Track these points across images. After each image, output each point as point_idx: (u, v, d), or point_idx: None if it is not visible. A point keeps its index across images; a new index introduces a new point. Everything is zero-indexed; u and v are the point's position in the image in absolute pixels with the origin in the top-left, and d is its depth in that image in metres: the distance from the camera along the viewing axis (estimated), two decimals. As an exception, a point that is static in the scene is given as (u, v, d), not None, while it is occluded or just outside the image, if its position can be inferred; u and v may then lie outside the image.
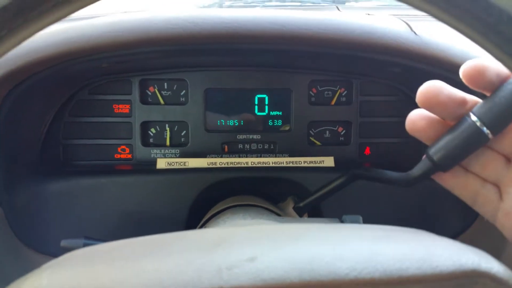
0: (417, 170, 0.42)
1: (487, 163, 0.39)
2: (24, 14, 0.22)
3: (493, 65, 0.35)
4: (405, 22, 0.54)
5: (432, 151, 0.39)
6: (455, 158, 0.39)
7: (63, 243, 0.54)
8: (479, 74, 0.35)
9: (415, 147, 0.73)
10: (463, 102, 0.38)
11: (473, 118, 0.37)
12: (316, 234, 0.28)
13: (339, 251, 0.24)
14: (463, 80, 0.36)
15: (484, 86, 0.36)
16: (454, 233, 0.68)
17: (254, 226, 0.31)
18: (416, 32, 0.51)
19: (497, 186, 0.39)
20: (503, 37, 0.25)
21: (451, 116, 0.38)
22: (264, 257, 0.24)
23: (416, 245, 0.26)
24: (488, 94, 0.37)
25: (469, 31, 0.26)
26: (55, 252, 0.59)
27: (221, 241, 0.26)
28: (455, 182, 0.41)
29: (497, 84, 0.36)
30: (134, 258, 0.26)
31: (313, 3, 1.11)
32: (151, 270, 0.24)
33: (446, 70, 0.52)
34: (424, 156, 0.42)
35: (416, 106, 0.73)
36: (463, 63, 0.51)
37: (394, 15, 0.70)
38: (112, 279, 0.23)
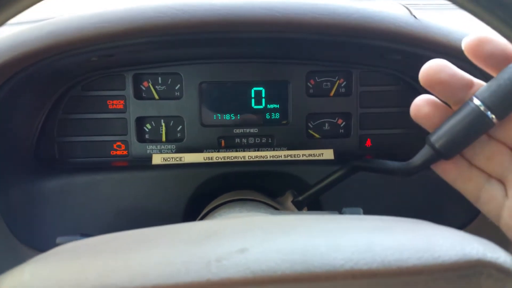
0: (417, 158, 0.40)
1: (493, 156, 0.37)
2: None
3: (497, 40, 0.33)
4: (405, 6, 0.52)
5: (433, 138, 0.37)
6: (458, 145, 0.36)
7: (59, 240, 0.53)
8: (480, 45, 0.33)
9: (417, 138, 0.71)
10: (468, 84, 0.35)
11: (476, 101, 0.35)
12: (311, 225, 0.27)
13: (334, 242, 0.23)
14: (465, 52, 0.34)
15: (487, 60, 0.34)
16: (459, 226, 0.66)
17: (246, 218, 0.30)
18: (416, 16, 0.49)
19: (502, 182, 0.37)
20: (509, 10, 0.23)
21: (455, 99, 0.36)
22: (255, 249, 0.22)
23: (417, 235, 0.24)
24: (491, 72, 0.35)
25: (474, 8, 0.24)
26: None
27: (211, 233, 0.25)
28: (457, 175, 0.38)
29: (501, 62, 0.34)
30: (121, 251, 0.25)
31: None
32: (137, 263, 0.23)
33: (448, 55, 0.50)
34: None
35: (417, 94, 0.70)
36: None
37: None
38: (97, 272, 0.22)
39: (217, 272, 0.21)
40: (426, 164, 0.40)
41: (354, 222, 0.27)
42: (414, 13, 0.50)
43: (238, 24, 0.45)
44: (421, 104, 0.38)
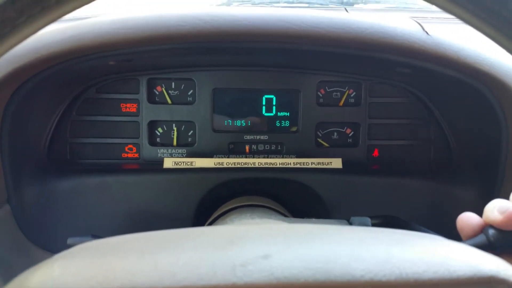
0: (468, 242, 0.39)
1: None
2: (42, 2, 0.22)
3: None
4: (417, 22, 0.53)
5: (491, 230, 0.37)
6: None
7: (70, 241, 0.53)
8: None
9: (424, 149, 0.72)
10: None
11: None
12: (332, 234, 0.27)
13: (355, 252, 0.24)
14: (505, 227, 0.35)
15: None
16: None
17: (269, 224, 0.31)
18: (428, 32, 0.50)
19: None
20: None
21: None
22: (278, 255, 0.23)
23: (434, 250, 0.25)
24: None
25: (482, 25, 0.25)
26: (63, 249, 0.59)
27: (236, 238, 0.26)
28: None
29: None
30: (148, 251, 0.25)
31: (321, 4, 1.10)
32: (165, 263, 0.23)
33: (458, 71, 0.51)
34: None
35: (425, 107, 0.71)
36: (475, 64, 0.50)
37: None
38: (127, 270, 0.23)
39: (242, 276, 0.22)
40: None
41: (374, 234, 0.28)
42: (426, 29, 0.51)
43: (257, 35, 0.46)
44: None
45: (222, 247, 0.25)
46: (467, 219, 0.39)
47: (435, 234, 0.46)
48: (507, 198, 0.39)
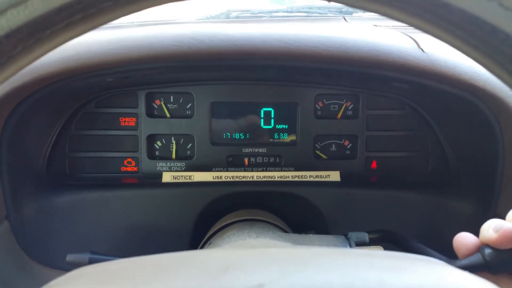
0: (465, 261, 0.39)
1: None
2: (36, 34, 0.22)
3: None
4: (412, 38, 0.54)
5: (488, 250, 0.37)
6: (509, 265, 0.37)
7: (69, 257, 0.53)
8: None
9: (421, 161, 0.72)
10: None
11: None
12: (326, 260, 0.28)
13: (347, 280, 0.24)
14: (500, 245, 0.36)
15: None
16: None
17: (263, 249, 0.31)
18: (423, 49, 0.51)
19: None
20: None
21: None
22: (272, 285, 0.23)
23: (425, 276, 0.25)
24: None
25: (484, 59, 0.25)
26: (62, 265, 0.59)
27: (230, 265, 0.26)
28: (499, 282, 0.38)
29: None
30: (142, 279, 0.25)
31: (320, 14, 1.11)
32: None
33: (454, 87, 0.51)
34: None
35: (422, 119, 0.72)
36: (470, 80, 0.51)
37: (401, 26, 0.70)
38: None
39: None
40: (471, 270, 0.37)
41: (367, 259, 0.28)
42: (421, 45, 0.51)
43: (253, 54, 0.47)
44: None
45: (216, 275, 0.25)
46: (463, 239, 0.39)
47: (430, 249, 0.46)
48: (505, 209, 0.39)
